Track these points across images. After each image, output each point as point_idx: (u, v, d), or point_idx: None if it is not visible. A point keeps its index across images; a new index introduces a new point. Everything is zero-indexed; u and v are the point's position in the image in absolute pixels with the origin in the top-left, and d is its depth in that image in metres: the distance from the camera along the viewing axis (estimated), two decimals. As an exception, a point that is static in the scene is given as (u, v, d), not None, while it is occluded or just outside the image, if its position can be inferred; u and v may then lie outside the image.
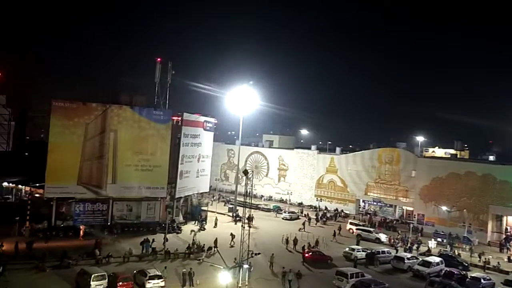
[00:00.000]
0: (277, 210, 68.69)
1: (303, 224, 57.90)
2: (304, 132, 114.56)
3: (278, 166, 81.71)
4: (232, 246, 44.40)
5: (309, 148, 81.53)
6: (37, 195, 50.98)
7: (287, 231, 52.36)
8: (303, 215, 66.15)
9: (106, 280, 31.80)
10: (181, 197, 56.89)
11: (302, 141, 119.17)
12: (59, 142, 47.88)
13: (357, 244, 48.92)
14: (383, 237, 54.11)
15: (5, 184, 59.28)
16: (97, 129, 49.65)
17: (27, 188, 54.96)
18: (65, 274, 34.53)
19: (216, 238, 44.35)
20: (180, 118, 55.75)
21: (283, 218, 64.25)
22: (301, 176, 78.34)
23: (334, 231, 54.62)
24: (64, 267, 35.84)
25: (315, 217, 63.63)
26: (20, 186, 57.58)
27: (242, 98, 63.93)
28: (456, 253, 48.38)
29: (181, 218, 56.19)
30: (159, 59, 56.53)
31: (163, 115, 53.62)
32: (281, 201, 77.90)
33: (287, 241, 47.97)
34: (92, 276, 31.44)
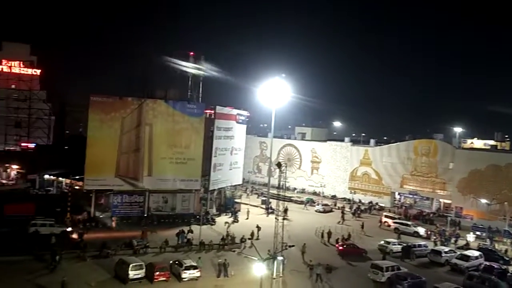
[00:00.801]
0: (310, 202, 68.43)
1: (342, 217, 57.53)
2: (337, 124, 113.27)
3: (311, 159, 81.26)
4: (257, 239, 44.28)
5: (342, 140, 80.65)
6: (77, 187, 52.79)
7: (320, 223, 52.14)
8: (337, 207, 65.64)
9: (144, 269, 32.63)
10: (214, 190, 57.55)
11: (335, 133, 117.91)
12: (97, 136, 49.30)
13: (398, 238, 48.14)
14: (421, 230, 52.97)
15: (46, 176, 61.70)
16: (133, 123, 50.78)
17: (68, 181, 57.04)
18: (105, 263, 35.65)
19: (253, 231, 44.46)
20: (213, 112, 56.26)
21: (316, 211, 64.01)
22: (334, 168, 77.65)
23: (362, 223, 53.95)
24: (103, 256, 37.03)
25: (349, 210, 63.03)
26: (60, 178, 59.76)
27: (274, 91, 63.81)
28: (497, 247, 46.84)
29: (214, 210, 56.90)
30: (192, 53, 57.16)
31: (197, 108, 54.26)
32: (314, 193, 77.54)
33: (322, 235, 47.67)
34: (130, 265, 32.33)
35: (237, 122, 61.39)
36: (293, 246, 37.13)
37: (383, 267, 36.40)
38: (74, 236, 41.85)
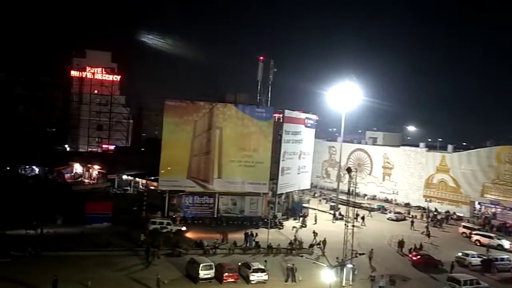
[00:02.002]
0: (381, 209, 66.06)
1: (412, 225, 55.15)
2: (411, 128, 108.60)
3: (382, 164, 78.50)
4: (318, 244, 43.07)
5: (417, 146, 76.92)
6: (152, 187, 55.29)
7: (392, 232, 50.13)
8: (410, 216, 62.79)
9: (213, 270, 33.28)
10: (282, 193, 57.47)
11: (408, 138, 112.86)
12: (171, 139, 51.30)
13: (487, 252, 45.01)
14: (506, 243, 49.02)
15: (124, 177, 65.36)
16: (204, 126, 52.23)
17: (144, 181, 59.97)
18: (177, 262, 36.87)
19: (325, 238, 43.11)
20: (281, 115, 56.33)
21: (388, 219, 61.64)
22: (408, 175, 74.31)
23: (428, 232, 51.24)
24: (175, 255, 38.30)
25: (424, 219, 59.89)
26: (137, 179, 62.99)
27: (344, 94, 62.49)
28: None
29: (282, 214, 56.72)
30: (261, 58, 57.73)
31: (265, 112, 54.63)
32: (386, 200, 74.75)
33: (399, 245, 45.60)
34: (201, 265, 33.11)
35: (306, 126, 60.90)
36: (363, 254, 35.94)
37: (460, 281, 34.14)
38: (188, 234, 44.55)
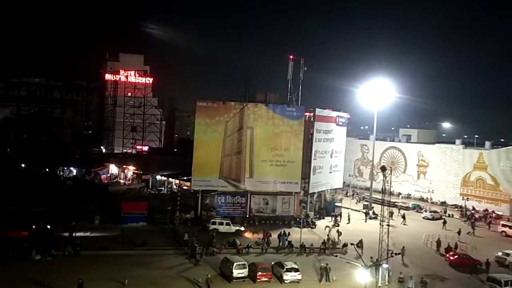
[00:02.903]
0: (417, 208, 64.68)
1: (444, 222, 54.19)
2: (446, 125, 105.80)
3: (417, 162, 76.80)
4: (345, 245, 41.91)
5: (453, 143, 74.85)
6: (185, 187, 56.12)
7: (428, 231, 49.01)
8: (447, 215, 61.17)
9: (247, 269, 33.47)
10: (314, 193, 57.15)
11: (444, 135, 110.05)
12: (203, 139, 51.93)
13: None
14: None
15: (158, 177, 66.62)
16: (235, 126, 52.56)
17: (177, 181, 60.91)
18: (210, 260, 37.29)
19: (361, 239, 41.53)
20: (312, 114, 56.00)
21: (423, 218, 60.28)
22: (443, 173, 72.44)
23: (459, 229, 49.73)
24: (209, 254, 38.71)
25: (462, 218, 58.27)
26: (170, 179, 64.06)
27: (377, 91, 61.49)
28: None
29: (314, 214, 56.40)
30: (291, 57, 57.58)
31: (296, 111, 54.45)
32: (421, 199, 73.10)
33: (437, 244, 44.51)
34: (235, 264, 33.36)
35: (337, 125, 60.31)
36: (399, 254, 35.29)
37: (501, 281, 33.04)
38: (247, 234, 45.52)
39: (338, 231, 45.98)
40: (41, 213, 46.50)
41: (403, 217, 56.11)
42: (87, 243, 39.25)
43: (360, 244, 40.25)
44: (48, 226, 41.71)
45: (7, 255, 34.67)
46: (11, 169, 68.33)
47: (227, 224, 46.31)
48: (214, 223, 46.27)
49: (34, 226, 40.51)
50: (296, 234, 43.27)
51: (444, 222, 54.77)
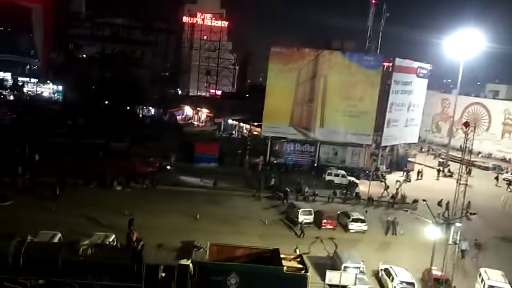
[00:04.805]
0: (497, 169, 60.89)
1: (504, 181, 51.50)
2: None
3: (503, 121, 71.29)
4: (416, 201, 40.45)
5: (548, 102, 68.22)
6: (255, 133, 57.03)
7: (508, 193, 46.30)
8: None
9: (313, 216, 34.00)
10: (386, 146, 55.55)
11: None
12: (275, 86, 51.69)
13: None
14: None
15: (230, 121, 68.15)
16: (309, 74, 51.53)
17: (248, 126, 62.00)
18: (276, 204, 38.40)
19: (442, 199, 39.59)
20: (391, 64, 53.26)
21: (504, 179, 56.65)
22: (532, 133, 66.82)
23: None
24: (276, 198, 39.74)
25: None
26: (241, 124, 65.27)
27: (464, 42, 56.67)
28: None
29: (385, 167, 55.10)
30: (374, 2, 54.31)
31: (374, 60, 52.12)
32: (504, 160, 68.47)
33: None
34: (300, 210, 34.01)
35: (418, 76, 57.03)
36: (475, 214, 33.77)
37: None
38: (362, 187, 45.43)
39: (400, 183, 44.65)
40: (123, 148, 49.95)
41: (496, 178, 53.50)
42: (164, 178, 41.73)
43: (440, 203, 38.61)
44: (168, 167, 45.52)
45: (92, 183, 38.05)
46: (96, 105, 73.13)
47: (343, 176, 46.35)
48: (330, 174, 46.51)
49: (158, 164, 44.99)
50: (365, 187, 42.80)
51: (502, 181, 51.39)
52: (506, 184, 52.50)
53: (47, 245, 22.77)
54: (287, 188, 39.98)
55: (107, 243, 24.31)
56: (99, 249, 21.86)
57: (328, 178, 46.21)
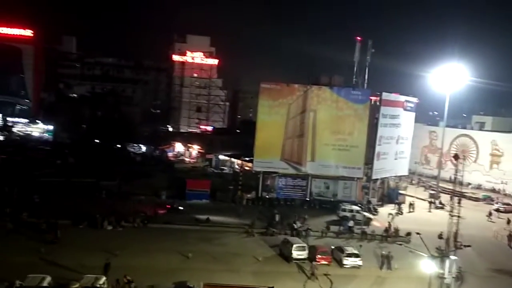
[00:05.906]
0: (487, 200, 61.29)
1: (489, 214, 51.97)
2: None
3: (490, 152, 72.25)
4: (409, 234, 40.27)
5: (533, 132, 69.55)
6: (246, 168, 57.04)
7: (499, 224, 46.40)
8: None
9: (307, 251, 33.65)
10: (377, 179, 55.82)
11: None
12: (265, 121, 52.25)
13: None
14: None
15: (221, 157, 68.20)
16: (298, 109, 52.27)
17: (239, 161, 62.06)
18: (270, 240, 37.93)
19: (441, 232, 38.76)
20: (378, 98, 54.31)
21: (495, 210, 56.91)
22: (520, 164, 67.67)
23: (508, 219, 47.25)
24: (269, 234, 39.36)
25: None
26: (233, 159, 65.36)
27: (449, 75, 58.25)
28: None
29: (376, 200, 55.12)
30: (359, 38, 55.95)
31: (361, 95, 53.07)
32: (493, 190, 68.98)
33: (508, 238, 42.06)
34: (294, 246, 33.68)
35: (405, 110, 58.09)
36: (469, 246, 33.64)
37: None
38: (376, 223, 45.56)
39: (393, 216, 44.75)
40: (113, 187, 49.50)
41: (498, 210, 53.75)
42: (155, 217, 41.27)
43: (442, 236, 38.32)
44: (180, 208, 44.94)
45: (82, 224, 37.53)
46: (86, 144, 72.95)
47: (357, 211, 45.86)
48: (344, 210, 46.03)
49: (168, 206, 44.77)
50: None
51: (490, 214, 51.98)
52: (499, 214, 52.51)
53: (36, 290, 22.18)
54: (294, 223, 40.28)
55: (98, 285, 23.77)
56: (90, 292, 21.36)
57: (342, 214, 45.60)
